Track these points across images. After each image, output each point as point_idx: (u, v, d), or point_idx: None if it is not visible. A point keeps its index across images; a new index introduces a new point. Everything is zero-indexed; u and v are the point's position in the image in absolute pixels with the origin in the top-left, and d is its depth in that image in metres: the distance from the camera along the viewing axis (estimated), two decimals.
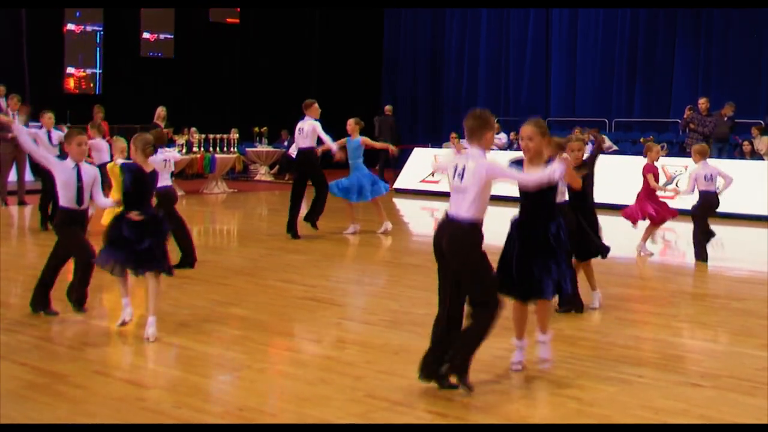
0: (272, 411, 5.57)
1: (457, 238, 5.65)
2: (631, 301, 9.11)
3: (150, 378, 6.26)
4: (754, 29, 22.13)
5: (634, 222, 11.59)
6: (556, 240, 6.12)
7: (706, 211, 11.34)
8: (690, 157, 12.16)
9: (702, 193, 11.33)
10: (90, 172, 7.79)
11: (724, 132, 18.73)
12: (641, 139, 21.70)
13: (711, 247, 11.43)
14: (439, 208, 18.42)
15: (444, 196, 19.17)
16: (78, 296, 7.93)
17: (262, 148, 24.27)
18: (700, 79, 23.16)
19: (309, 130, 12.97)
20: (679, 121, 20.67)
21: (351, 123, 13.33)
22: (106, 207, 8.95)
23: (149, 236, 7.24)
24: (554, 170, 5.77)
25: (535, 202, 6.12)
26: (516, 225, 6.19)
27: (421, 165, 21.17)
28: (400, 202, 19.61)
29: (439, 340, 5.78)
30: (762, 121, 20.09)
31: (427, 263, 11.36)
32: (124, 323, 7.40)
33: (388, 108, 24.58)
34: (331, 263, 10.97)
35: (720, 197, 11.39)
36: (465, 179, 5.64)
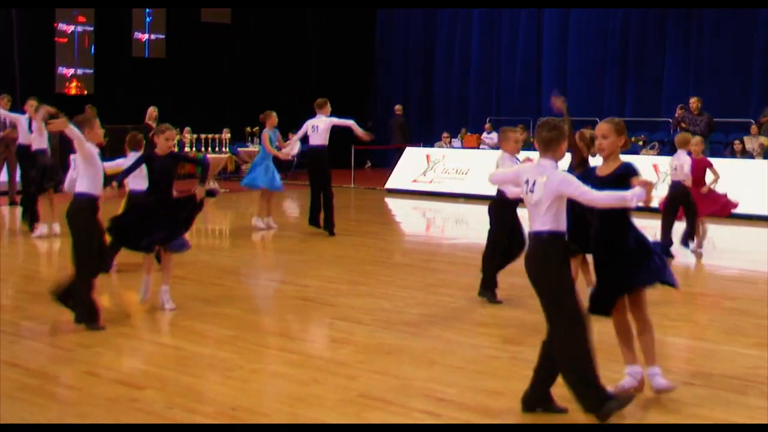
0: (265, 411, 5.56)
1: (537, 255, 5.37)
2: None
3: (142, 378, 6.24)
4: (754, 29, 22.06)
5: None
6: (639, 249, 5.75)
7: (671, 203, 11.30)
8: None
9: (671, 184, 11.40)
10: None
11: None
12: (633, 138, 21.74)
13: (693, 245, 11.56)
14: (431, 207, 18.47)
15: (437, 196, 19.35)
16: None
17: (254, 148, 24.19)
18: (691, 79, 23.19)
19: (324, 127, 13.08)
20: (671, 120, 20.71)
21: (274, 116, 13.74)
22: None
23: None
24: (633, 196, 5.29)
25: (606, 216, 5.69)
26: (592, 245, 5.83)
27: (413, 165, 21.21)
28: (391, 202, 19.62)
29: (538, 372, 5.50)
30: (753, 120, 20.13)
31: (419, 263, 11.38)
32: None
33: (398, 107, 24.83)
34: (323, 263, 10.96)
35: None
36: (536, 193, 5.36)
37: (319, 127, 13.08)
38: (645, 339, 5.85)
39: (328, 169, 13.15)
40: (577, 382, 5.26)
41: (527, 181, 5.42)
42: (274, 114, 13.65)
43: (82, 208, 7.52)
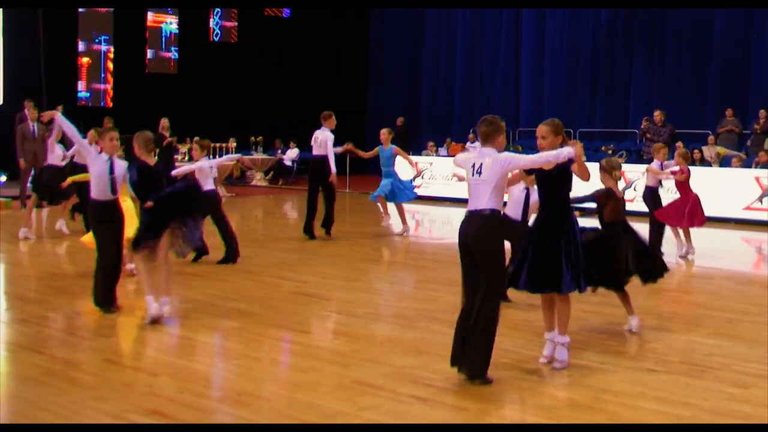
0: (267, 396, 5.57)
1: (482, 228, 5.63)
2: (594, 295, 9.12)
3: (156, 366, 6.25)
4: (755, 32, 21.92)
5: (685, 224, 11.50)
6: (572, 234, 6.04)
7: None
8: (647, 163, 12.24)
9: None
10: (122, 165, 7.76)
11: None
12: (603, 148, 21.80)
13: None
14: (420, 210, 18.48)
15: (425, 200, 19.36)
16: (105, 297, 7.70)
17: (258, 155, 24.22)
18: (655, 93, 23.26)
19: (323, 140, 12.85)
20: (637, 131, 20.78)
21: (384, 133, 13.58)
22: None
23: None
24: (561, 151, 5.76)
25: (552, 196, 6.08)
26: (536, 221, 6.20)
27: (403, 171, 21.14)
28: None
29: (460, 331, 5.74)
30: (710, 132, 20.17)
31: (408, 261, 11.40)
32: (154, 320, 7.31)
33: (399, 120, 24.92)
34: (320, 261, 10.97)
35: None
36: (483, 174, 5.68)
37: (318, 139, 12.89)
38: (561, 309, 6.19)
39: (327, 178, 12.79)
40: (485, 343, 5.62)
41: (473, 165, 5.77)
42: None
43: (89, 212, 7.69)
